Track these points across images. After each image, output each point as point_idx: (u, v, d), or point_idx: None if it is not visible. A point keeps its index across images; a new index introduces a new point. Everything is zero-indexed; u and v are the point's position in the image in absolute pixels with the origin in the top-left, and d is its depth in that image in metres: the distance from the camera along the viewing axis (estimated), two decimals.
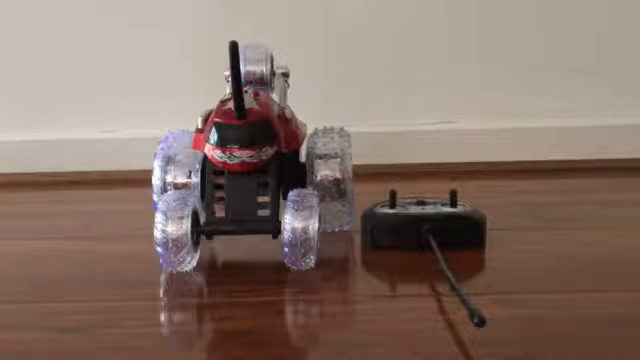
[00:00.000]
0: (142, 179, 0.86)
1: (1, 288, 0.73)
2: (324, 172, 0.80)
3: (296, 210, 0.71)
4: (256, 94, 0.78)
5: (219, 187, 0.75)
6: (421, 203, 0.80)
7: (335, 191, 0.80)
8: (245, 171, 0.74)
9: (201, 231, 0.74)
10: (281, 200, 0.75)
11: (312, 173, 0.80)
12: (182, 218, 0.71)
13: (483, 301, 0.63)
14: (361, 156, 0.86)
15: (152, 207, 0.78)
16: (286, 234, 0.71)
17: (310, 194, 0.73)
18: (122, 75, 1.12)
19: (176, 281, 0.72)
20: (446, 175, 1.06)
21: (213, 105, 0.77)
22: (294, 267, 0.72)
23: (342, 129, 0.85)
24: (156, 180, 0.79)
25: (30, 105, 1.13)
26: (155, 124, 1.02)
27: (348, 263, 0.79)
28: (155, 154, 0.80)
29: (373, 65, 1.12)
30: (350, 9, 1.11)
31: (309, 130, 0.85)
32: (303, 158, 0.82)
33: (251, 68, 0.82)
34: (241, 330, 0.62)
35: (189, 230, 0.71)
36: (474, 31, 1.11)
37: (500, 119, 1.12)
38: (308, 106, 0.85)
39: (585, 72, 1.12)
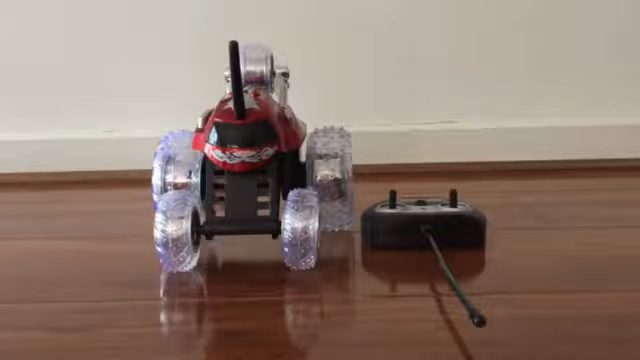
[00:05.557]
0: (142, 179, 0.86)
1: (1, 288, 0.73)
2: (324, 172, 0.80)
3: (296, 210, 0.71)
4: (256, 94, 0.78)
5: (219, 187, 0.75)
6: (421, 203, 0.80)
7: (335, 191, 0.80)
8: (245, 171, 0.74)
9: (201, 231, 0.74)
10: (281, 200, 0.75)
11: (312, 173, 0.80)
12: (182, 218, 0.71)
13: (483, 301, 0.63)
14: (361, 156, 0.86)
15: (152, 207, 0.78)
16: (286, 234, 0.71)
17: (310, 194, 0.73)
18: (122, 75, 1.12)
19: (176, 281, 0.72)
20: (446, 175, 1.06)
21: (213, 105, 0.77)
22: (294, 267, 0.72)
23: (342, 129, 0.85)
24: (156, 180, 0.79)
25: (30, 105, 1.13)
26: (155, 124, 1.02)
27: (348, 263, 0.78)
28: (155, 154, 0.80)
29: (373, 65, 1.12)
30: (350, 9, 1.11)
31: (309, 130, 0.85)
32: (303, 158, 0.82)
33: (251, 68, 0.82)
34: (241, 330, 0.62)
35: (189, 230, 0.71)
36: (474, 31, 1.11)
37: (500, 119, 1.12)
38: (308, 106, 0.85)
39: (585, 72, 1.12)
